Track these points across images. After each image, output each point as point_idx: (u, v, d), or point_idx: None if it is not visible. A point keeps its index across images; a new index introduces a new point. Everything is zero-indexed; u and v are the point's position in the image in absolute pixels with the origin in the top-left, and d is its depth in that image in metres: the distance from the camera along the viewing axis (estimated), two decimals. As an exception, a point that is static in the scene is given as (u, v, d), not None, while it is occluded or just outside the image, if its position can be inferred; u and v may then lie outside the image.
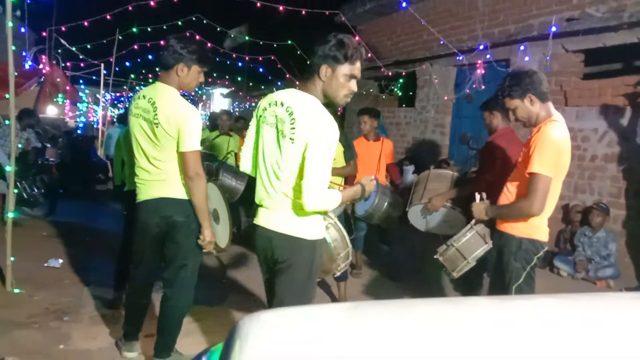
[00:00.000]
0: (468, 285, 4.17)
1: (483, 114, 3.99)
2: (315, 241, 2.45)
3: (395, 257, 5.67)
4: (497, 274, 2.99)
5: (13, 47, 4.26)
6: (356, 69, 2.38)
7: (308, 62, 2.41)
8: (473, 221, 3.15)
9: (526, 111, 2.86)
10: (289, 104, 2.35)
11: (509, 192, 2.94)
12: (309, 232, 2.42)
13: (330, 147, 2.29)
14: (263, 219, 2.48)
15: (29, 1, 8.86)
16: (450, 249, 3.18)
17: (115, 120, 14.96)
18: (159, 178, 2.94)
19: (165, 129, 2.82)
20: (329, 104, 2.43)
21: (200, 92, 25.52)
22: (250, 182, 6.03)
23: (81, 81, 17.80)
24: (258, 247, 2.54)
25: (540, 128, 2.78)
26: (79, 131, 14.58)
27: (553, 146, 2.68)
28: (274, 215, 2.43)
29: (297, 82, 13.91)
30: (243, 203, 6.65)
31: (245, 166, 2.65)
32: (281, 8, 8.34)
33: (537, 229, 2.84)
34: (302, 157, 2.29)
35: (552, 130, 2.72)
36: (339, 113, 4.86)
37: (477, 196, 3.09)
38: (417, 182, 4.22)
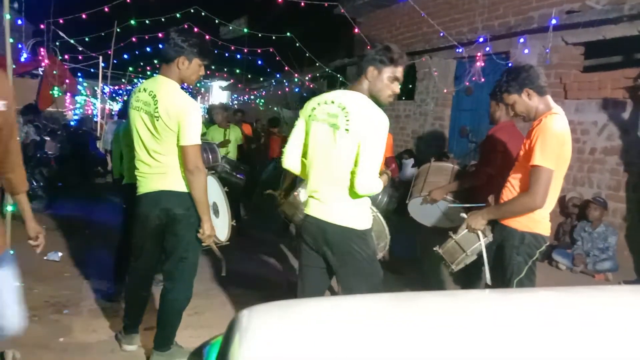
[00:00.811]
0: (467, 279, 4.18)
1: (490, 102, 3.98)
2: (366, 230, 2.65)
3: (394, 250, 5.68)
4: (497, 268, 2.99)
5: (11, 40, 4.24)
6: (399, 72, 2.65)
7: (358, 64, 2.69)
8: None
9: (524, 106, 2.87)
10: (339, 100, 2.58)
11: (512, 186, 2.93)
12: (361, 222, 2.63)
13: (383, 136, 2.53)
14: (316, 210, 2.66)
15: (26, -7, 8.82)
16: (450, 242, 3.18)
17: (114, 114, 14.92)
18: (159, 171, 2.94)
19: (166, 122, 2.82)
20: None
21: (199, 85, 25.46)
22: (252, 178, 6.07)
23: (79, 74, 17.74)
24: (309, 236, 2.71)
25: (541, 121, 2.78)
26: (72, 122, 14.47)
27: (555, 138, 2.68)
28: (327, 207, 2.62)
29: (296, 75, 13.89)
30: (243, 197, 6.68)
31: (291, 163, 2.82)
32: (280, 0, 8.30)
33: (540, 223, 2.84)
34: (356, 146, 2.49)
35: (553, 122, 2.72)
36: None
37: (462, 215, 3.11)
38: (417, 174, 4.21)
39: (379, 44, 2.67)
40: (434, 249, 3.27)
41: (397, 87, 2.67)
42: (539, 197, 2.68)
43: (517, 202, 2.83)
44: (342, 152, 2.54)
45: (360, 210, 2.65)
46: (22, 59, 11.07)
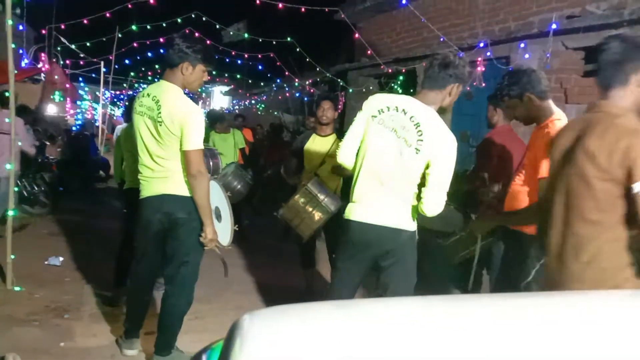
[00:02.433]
0: (467, 283, 4.17)
1: (487, 106, 3.99)
2: (415, 232, 2.69)
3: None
4: (502, 271, 2.97)
5: (13, 45, 4.25)
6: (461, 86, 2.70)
7: (439, 74, 2.59)
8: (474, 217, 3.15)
9: (525, 110, 2.86)
10: (412, 112, 2.53)
11: (518, 199, 2.90)
12: (412, 224, 2.65)
13: (454, 158, 2.54)
14: (371, 216, 2.61)
15: (28, -1, 8.85)
16: (454, 238, 3.19)
17: (117, 117, 14.91)
18: (162, 175, 2.95)
19: (169, 127, 2.83)
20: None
21: (200, 90, 25.53)
22: (254, 182, 6.07)
23: (81, 79, 17.78)
24: (358, 242, 2.66)
25: (541, 128, 2.77)
26: (73, 128, 14.51)
27: None
28: (383, 212, 2.59)
29: (296, 80, 13.91)
30: (244, 202, 6.67)
31: (347, 158, 2.73)
32: (280, 5, 8.32)
33: None
34: (424, 165, 2.51)
35: (554, 130, 2.71)
36: (339, 110, 4.85)
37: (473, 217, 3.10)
38: None
39: (461, 61, 2.65)
40: (438, 240, 3.27)
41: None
42: None
43: (529, 212, 2.73)
44: (408, 169, 2.54)
45: (411, 213, 2.64)
46: (23, 64, 11.10)
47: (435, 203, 2.52)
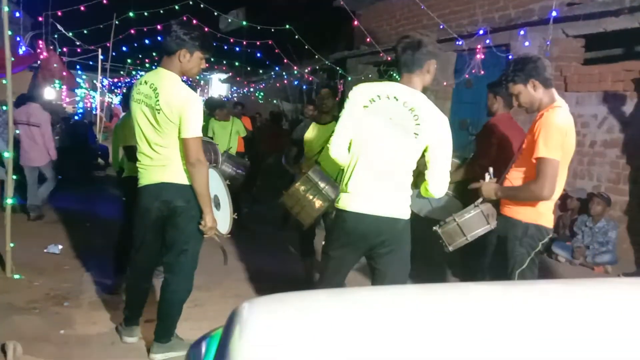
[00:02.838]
0: (467, 270, 4.19)
1: (487, 94, 3.98)
2: (409, 219, 2.71)
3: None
4: (499, 259, 3.00)
5: (9, 32, 4.22)
6: None
7: (413, 56, 2.59)
8: (480, 200, 3.14)
9: (529, 97, 2.86)
10: (405, 99, 2.53)
11: (514, 179, 2.94)
12: (407, 212, 2.68)
13: (451, 138, 2.59)
14: (368, 206, 2.59)
15: (25, -15, 8.77)
16: (451, 224, 3.19)
17: (116, 105, 14.81)
18: (161, 163, 2.94)
19: (167, 115, 2.81)
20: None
21: (198, 77, 25.41)
22: (253, 171, 6.08)
23: (78, 67, 17.66)
24: (357, 230, 2.63)
25: (542, 114, 2.78)
26: (76, 117, 14.50)
27: (557, 130, 2.69)
28: (380, 202, 2.59)
29: (295, 68, 13.84)
30: (243, 190, 6.67)
31: (340, 153, 2.67)
32: (279, -8, 8.26)
33: (543, 215, 2.86)
34: (423, 149, 2.55)
35: (556, 115, 2.74)
36: (337, 99, 4.83)
37: (487, 175, 3.10)
38: (417, 166, 4.20)
39: (425, 37, 2.65)
40: (434, 228, 3.28)
41: None
42: (547, 188, 2.69)
43: (527, 189, 2.83)
44: (407, 155, 2.57)
45: (406, 201, 2.67)
46: (21, 52, 11.02)
47: (441, 184, 2.59)
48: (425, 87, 2.65)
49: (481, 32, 7.63)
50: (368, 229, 2.62)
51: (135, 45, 13.88)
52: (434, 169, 2.57)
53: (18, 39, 10.73)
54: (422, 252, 5.25)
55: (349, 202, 2.63)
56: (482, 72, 7.58)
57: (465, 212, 3.16)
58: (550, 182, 2.69)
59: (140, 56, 17.23)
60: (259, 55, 13.56)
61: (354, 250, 2.73)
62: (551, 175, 2.68)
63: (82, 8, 9.49)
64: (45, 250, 5.11)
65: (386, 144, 2.55)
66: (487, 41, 7.55)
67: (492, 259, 3.13)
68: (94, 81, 17.69)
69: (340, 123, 2.66)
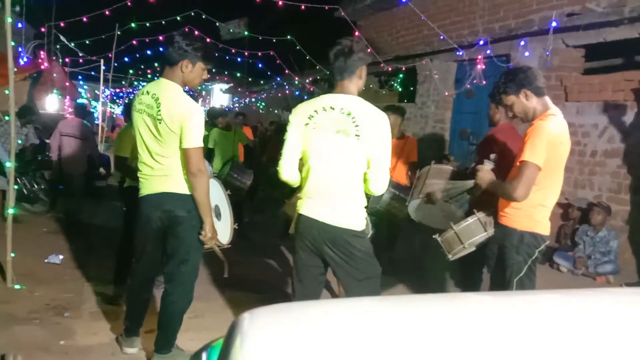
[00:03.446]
0: (468, 280, 4.18)
1: (489, 104, 4.00)
2: (363, 230, 2.76)
3: (394, 254, 5.68)
4: (498, 268, 3.02)
5: (12, 43, 4.25)
6: None
7: (345, 63, 2.67)
8: (482, 214, 3.17)
9: (522, 106, 2.90)
10: (341, 106, 2.62)
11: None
12: (359, 223, 2.71)
13: (389, 136, 2.64)
14: (317, 212, 2.70)
15: (27, -3, 8.84)
16: (450, 232, 3.24)
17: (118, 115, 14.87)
18: (162, 173, 2.94)
19: (168, 125, 2.82)
20: None
21: (200, 88, 25.52)
22: (254, 181, 6.10)
23: (80, 77, 17.77)
24: (309, 237, 2.74)
25: (533, 123, 2.81)
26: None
27: (546, 137, 2.72)
28: (329, 210, 2.67)
29: (296, 78, 13.91)
30: (244, 200, 6.68)
31: (290, 175, 2.80)
32: (280, 3, 8.31)
33: (539, 223, 2.87)
34: (366, 150, 2.58)
35: (547, 123, 2.76)
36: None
37: (486, 162, 3.13)
38: (418, 177, 4.22)
39: (358, 41, 2.76)
40: (434, 236, 3.30)
41: None
42: (520, 190, 2.73)
43: (502, 187, 2.90)
44: (351, 157, 2.61)
45: (358, 212, 2.72)
46: (22, 62, 11.08)
47: (380, 181, 2.64)
48: (359, 91, 2.74)
49: (481, 42, 7.67)
50: (318, 234, 2.70)
51: (137, 55, 13.99)
52: (374, 167, 2.61)
53: (20, 49, 10.80)
54: (424, 261, 5.26)
55: (303, 206, 2.76)
56: (483, 82, 7.61)
57: (463, 220, 3.18)
58: (524, 185, 2.72)
59: (142, 67, 17.34)
60: (260, 65, 13.64)
61: (309, 252, 2.80)
62: (527, 178, 2.71)
63: (84, 19, 9.56)
64: (45, 260, 5.10)
65: (333, 152, 2.63)
66: (488, 51, 7.59)
67: (494, 269, 3.14)
68: (96, 91, 17.76)
69: (284, 147, 2.77)
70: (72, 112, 8.39)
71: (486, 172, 3.09)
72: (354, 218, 2.70)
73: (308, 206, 2.74)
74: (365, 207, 2.75)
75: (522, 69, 2.95)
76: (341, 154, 2.62)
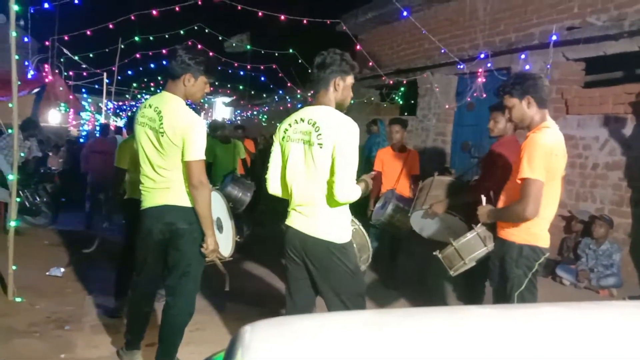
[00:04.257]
0: (470, 294, 4.16)
1: (491, 114, 3.96)
2: (346, 244, 2.73)
3: (394, 266, 5.67)
4: (499, 282, 3.01)
5: (16, 57, 4.29)
6: (352, 77, 2.80)
7: (319, 76, 2.74)
8: (479, 224, 3.16)
9: (521, 112, 2.89)
10: (309, 117, 2.67)
11: (501, 202, 3.02)
12: (341, 236, 2.70)
13: (354, 143, 2.60)
14: (298, 223, 2.74)
15: (32, 10, 8.91)
16: (450, 248, 3.23)
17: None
18: (164, 186, 2.95)
19: (171, 138, 2.84)
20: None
21: (202, 101, 25.63)
22: (255, 193, 6.10)
23: (83, 90, 17.86)
24: (292, 248, 2.79)
25: (528, 136, 2.82)
26: (81, 140, 14.61)
27: (542, 150, 2.72)
28: (309, 220, 2.70)
29: (299, 90, 13.98)
30: (246, 213, 6.68)
31: (275, 189, 2.90)
32: (282, 17, 8.38)
33: (537, 235, 2.86)
34: (331, 157, 2.58)
35: (541, 136, 2.77)
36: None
37: (483, 199, 3.12)
38: (420, 188, 4.23)
39: (336, 55, 2.74)
40: (434, 253, 3.30)
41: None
42: (530, 208, 2.71)
43: (510, 210, 2.87)
44: (318, 166, 2.62)
45: (340, 224, 2.72)
46: (29, 76, 11.16)
47: (344, 188, 2.57)
48: (340, 104, 2.76)
49: (482, 55, 7.71)
50: (299, 245, 2.74)
51: (141, 69, 14.06)
52: (336, 172, 2.57)
53: (26, 63, 10.88)
54: (428, 274, 5.24)
55: (288, 217, 2.82)
56: (484, 95, 7.64)
57: (463, 236, 3.17)
58: (533, 203, 2.71)
59: (145, 80, 17.44)
60: (262, 79, 13.71)
61: (295, 265, 2.83)
62: (534, 196, 2.70)
63: (88, 32, 9.63)
64: (47, 273, 5.10)
65: (303, 163, 2.68)
66: (488, 65, 7.62)
67: (496, 282, 3.13)
68: (99, 104, 17.84)
69: (269, 162, 2.88)
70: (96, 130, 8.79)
71: (483, 207, 3.08)
72: (333, 229, 2.68)
73: (291, 217, 2.79)
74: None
75: (533, 75, 2.94)
76: (309, 164, 2.64)
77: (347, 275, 2.71)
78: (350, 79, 2.76)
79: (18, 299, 4.26)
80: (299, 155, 2.69)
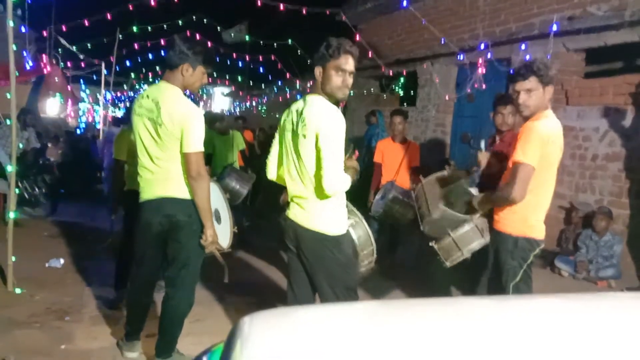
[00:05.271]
0: (474, 286, 4.16)
1: (498, 109, 3.90)
2: (339, 236, 2.70)
3: (393, 257, 5.68)
4: (495, 273, 3.01)
5: (14, 47, 4.26)
6: (342, 62, 2.63)
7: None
8: (477, 215, 3.15)
9: (539, 99, 2.83)
10: (299, 108, 2.70)
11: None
12: (334, 228, 2.68)
13: (336, 132, 2.55)
14: (293, 214, 2.77)
15: (29, 0, 8.85)
16: (447, 239, 3.20)
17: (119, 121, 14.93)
18: (162, 177, 2.94)
19: (169, 129, 2.82)
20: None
21: (201, 91, 25.54)
22: (255, 184, 6.10)
23: (81, 81, 17.80)
24: (288, 239, 2.83)
25: (525, 124, 2.82)
26: (77, 131, 14.60)
27: (538, 136, 2.72)
28: (303, 212, 2.71)
29: (297, 81, 13.93)
30: (245, 205, 6.67)
31: (271, 174, 2.99)
32: (282, 7, 8.33)
33: (533, 227, 2.87)
34: (315, 148, 2.55)
35: (538, 123, 2.77)
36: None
37: (474, 190, 3.13)
38: (416, 198, 4.12)
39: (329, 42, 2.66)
40: (430, 244, 3.28)
41: (347, 78, 2.66)
42: (517, 191, 2.72)
43: (498, 194, 2.88)
44: (306, 157, 2.63)
45: (334, 216, 2.70)
46: (28, 67, 11.09)
47: (330, 179, 2.52)
48: (331, 92, 2.65)
49: (482, 46, 7.67)
50: (294, 235, 2.77)
51: (139, 59, 14.00)
52: (323, 165, 2.52)
53: (25, 53, 10.81)
54: (431, 266, 5.24)
55: (288, 208, 2.84)
56: (484, 86, 7.62)
57: (460, 227, 3.16)
58: (520, 186, 2.71)
59: (143, 70, 17.37)
60: (261, 69, 13.66)
61: (293, 255, 2.86)
62: (522, 179, 2.70)
63: (85, 22, 9.57)
64: (46, 264, 5.10)
65: (295, 153, 2.69)
66: (488, 55, 7.59)
67: (491, 273, 3.13)
68: (97, 95, 17.79)
69: (271, 149, 2.97)
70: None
71: (475, 197, 3.09)
72: (325, 221, 2.67)
73: (289, 208, 2.82)
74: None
75: (555, 66, 2.91)
76: (299, 155, 2.65)
77: (338, 267, 2.71)
78: (331, 66, 2.62)
79: (18, 290, 4.27)
80: (290, 146, 2.72)
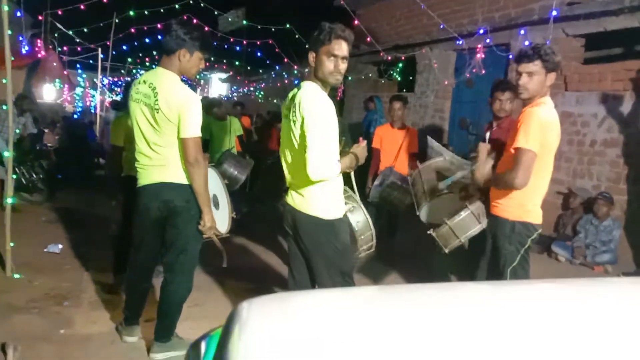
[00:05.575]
0: (467, 270, 4.18)
1: (496, 96, 3.87)
2: (334, 220, 2.70)
3: (392, 243, 5.70)
4: (492, 258, 3.03)
5: (9, 32, 4.22)
6: (333, 47, 2.59)
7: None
8: (477, 203, 3.17)
9: (540, 84, 2.83)
10: (294, 93, 2.69)
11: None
12: (329, 212, 2.68)
13: (322, 118, 2.53)
14: (290, 199, 2.80)
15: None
16: (444, 227, 3.22)
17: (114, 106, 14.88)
18: (160, 163, 2.93)
19: (166, 115, 2.81)
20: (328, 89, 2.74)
21: (198, 77, 25.40)
22: (253, 170, 6.09)
23: (78, 65, 17.67)
24: (286, 223, 2.85)
25: (525, 110, 2.81)
26: (75, 116, 14.52)
27: (539, 123, 2.72)
28: (298, 196, 2.73)
29: (295, 67, 13.85)
30: (243, 190, 6.67)
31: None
32: (280, -8, 8.25)
33: (530, 212, 2.88)
34: (300, 133, 2.56)
35: (538, 109, 2.77)
36: (337, 98, 4.82)
37: (483, 155, 3.15)
38: (412, 183, 4.13)
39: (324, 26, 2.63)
40: (428, 232, 3.30)
41: (339, 63, 2.63)
42: (520, 177, 2.72)
43: (501, 178, 2.88)
44: (296, 144, 2.63)
45: (329, 200, 2.69)
46: (24, 52, 11.00)
47: (313, 162, 2.48)
48: (323, 78, 2.65)
49: (481, 31, 7.63)
50: (290, 219, 2.80)
51: (136, 44, 13.89)
52: (307, 150, 2.49)
53: (20, 38, 10.72)
54: (424, 249, 5.26)
55: (287, 195, 2.85)
56: (483, 72, 7.58)
57: (457, 214, 3.17)
58: (523, 172, 2.71)
59: (140, 55, 17.24)
60: (259, 54, 13.57)
61: (291, 240, 2.89)
62: (525, 165, 2.71)
63: (82, 7, 9.48)
64: (45, 250, 5.11)
65: (289, 138, 2.69)
66: (488, 40, 7.55)
67: (489, 259, 3.15)
68: (94, 80, 17.68)
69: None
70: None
71: (484, 165, 3.07)
72: (319, 205, 2.67)
73: (288, 193, 2.83)
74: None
75: (559, 55, 2.88)
76: (291, 139, 2.66)
77: (334, 252, 2.71)
78: (323, 51, 2.60)
79: (16, 276, 4.28)
80: (286, 132, 2.73)
